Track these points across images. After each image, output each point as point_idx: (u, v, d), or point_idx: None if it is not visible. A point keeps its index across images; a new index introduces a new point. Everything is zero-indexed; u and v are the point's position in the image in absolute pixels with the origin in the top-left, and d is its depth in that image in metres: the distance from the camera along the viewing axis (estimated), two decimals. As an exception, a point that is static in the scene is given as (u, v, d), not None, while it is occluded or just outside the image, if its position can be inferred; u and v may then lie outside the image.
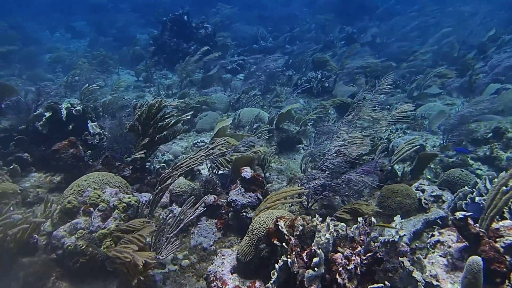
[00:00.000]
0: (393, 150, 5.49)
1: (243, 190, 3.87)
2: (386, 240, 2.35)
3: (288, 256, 2.40)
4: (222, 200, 3.95)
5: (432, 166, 5.71)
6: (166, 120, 4.36)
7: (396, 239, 2.33)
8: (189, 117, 4.45)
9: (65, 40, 21.29)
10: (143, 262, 2.49)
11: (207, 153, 3.21)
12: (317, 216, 2.55)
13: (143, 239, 2.79)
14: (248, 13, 24.08)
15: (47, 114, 4.55)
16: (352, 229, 2.57)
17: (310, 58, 13.00)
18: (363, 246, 2.40)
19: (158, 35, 14.76)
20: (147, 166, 4.76)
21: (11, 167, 4.27)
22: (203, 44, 13.71)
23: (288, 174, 5.77)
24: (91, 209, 3.44)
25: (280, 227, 2.59)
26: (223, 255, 3.07)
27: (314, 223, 2.46)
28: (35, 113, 4.60)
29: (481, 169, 5.77)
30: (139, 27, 23.43)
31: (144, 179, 4.48)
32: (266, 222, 2.79)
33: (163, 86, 11.23)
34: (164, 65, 14.09)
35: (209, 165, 5.31)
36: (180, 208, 3.96)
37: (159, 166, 4.98)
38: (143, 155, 4.33)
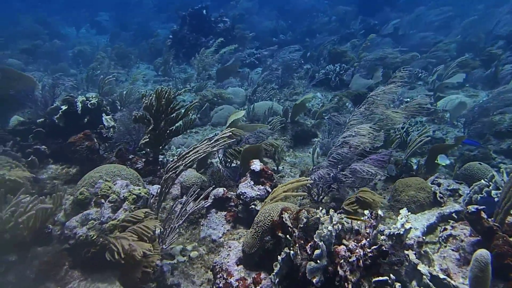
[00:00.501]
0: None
1: (252, 183, 3.87)
2: (392, 233, 2.30)
3: (291, 248, 2.38)
4: (232, 193, 3.95)
5: (451, 160, 5.56)
6: (176, 111, 4.38)
7: (401, 232, 2.28)
8: (197, 103, 4.47)
9: (90, 36, 21.74)
10: (142, 253, 2.51)
11: (212, 143, 3.20)
12: (320, 208, 2.51)
13: (149, 229, 2.82)
14: (267, 6, 23.91)
15: (63, 107, 4.65)
16: (358, 222, 2.53)
17: (327, 51, 12.84)
18: (368, 239, 2.35)
19: (178, 29, 14.86)
20: (160, 159, 4.81)
21: (30, 159, 4.39)
22: (222, 37, 13.72)
23: (302, 167, 5.72)
24: (102, 200, 3.50)
25: (284, 220, 2.57)
26: (230, 247, 3.07)
27: (318, 215, 2.43)
28: (52, 106, 4.71)
29: (504, 163, 5.58)
30: (161, 22, 23.65)
31: (156, 171, 4.53)
32: (271, 215, 2.77)
33: (181, 80, 11.32)
34: (183, 59, 14.19)
35: (220, 157, 5.33)
36: (191, 202, 4.03)
37: (172, 159, 5.03)
38: (148, 139, 4.37)
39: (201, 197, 3.18)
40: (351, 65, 11.08)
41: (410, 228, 2.34)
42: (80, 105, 4.67)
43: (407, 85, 4.46)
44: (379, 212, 2.48)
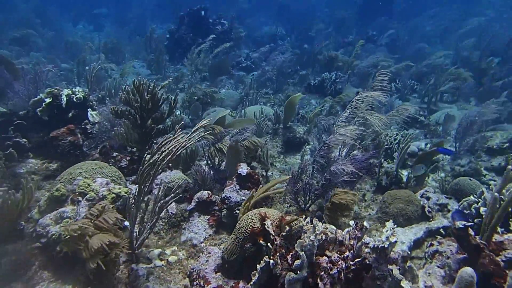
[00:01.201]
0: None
1: (238, 187, 3.75)
2: (376, 245, 2.18)
3: (272, 257, 2.26)
4: (216, 196, 3.83)
5: (442, 175, 5.48)
6: (160, 107, 4.27)
7: (386, 245, 2.17)
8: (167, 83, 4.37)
9: (87, 32, 21.52)
10: (99, 244, 2.39)
11: (189, 135, 3.06)
12: (304, 216, 2.40)
13: (106, 222, 2.69)
14: (267, 10, 23.91)
15: (47, 100, 4.50)
16: (343, 233, 2.42)
17: (321, 56, 12.75)
18: (351, 251, 2.24)
19: (175, 29, 14.75)
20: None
21: (8, 151, 4.23)
22: (220, 40, 13.64)
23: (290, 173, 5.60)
24: (79, 198, 3.36)
25: (266, 227, 2.45)
26: (209, 253, 2.95)
27: (301, 224, 2.31)
28: (35, 99, 4.56)
29: (494, 180, 5.51)
30: (160, 22, 23.49)
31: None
32: (254, 221, 2.65)
33: (173, 78, 11.13)
34: (179, 59, 14.07)
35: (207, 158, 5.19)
36: (173, 203, 3.89)
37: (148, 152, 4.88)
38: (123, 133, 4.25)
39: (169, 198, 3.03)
40: (344, 72, 11.04)
41: (396, 241, 2.23)
42: (65, 99, 4.52)
43: (387, 89, 4.38)
44: (365, 223, 2.37)
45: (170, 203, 3.15)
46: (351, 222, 2.44)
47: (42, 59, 11.24)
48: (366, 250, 2.28)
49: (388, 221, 3.75)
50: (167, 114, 4.58)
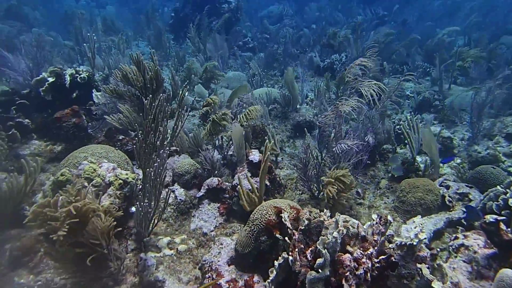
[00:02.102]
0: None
1: (249, 174, 3.59)
2: (403, 242, 2.03)
3: (290, 253, 2.11)
4: (227, 184, 3.67)
5: (458, 161, 5.29)
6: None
7: (414, 243, 2.01)
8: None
9: (89, 8, 21.07)
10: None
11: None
12: (325, 211, 2.23)
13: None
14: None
15: (50, 80, 4.31)
16: (365, 227, 2.26)
17: (326, 37, 12.38)
18: (375, 248, 2.09)
19: (180, 7, 14.37)
20: (152, 141, 4.50)
21: (10, 132, 4.08)
22: (226, 19, 13.31)
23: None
24: (85, 183, 3.21)
25: (283, 220, 2.29)
26: (221, 244, 2.80)
27: (321, 218, 2.15)
28: (37, 78, 4.37)
29: (513, 166, 5.32)
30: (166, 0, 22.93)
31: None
32: (269, 213, 2.49)
33: (178, 57, 10.86)
34: (184, 39, 13.76)
35: (217, 142, 5.03)
36: (182, 189, 3.74)
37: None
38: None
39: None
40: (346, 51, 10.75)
41: (425, 238, 2.08)
42: (68, 79, 4.34)
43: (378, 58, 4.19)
44: (389, 217, 2.21)
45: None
46: (374, 216, 2.28)
47: (46, 37, 10.93)
48: (390, 246, 2.13)
49: (408, 210, 3.63)
50: (172, 95, 4.38)
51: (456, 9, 17.87)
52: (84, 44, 6.44)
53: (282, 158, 5.27)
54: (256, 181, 3.53)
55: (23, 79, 4.75)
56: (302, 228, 2.20)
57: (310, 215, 2.26)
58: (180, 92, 4.50)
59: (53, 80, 4.30)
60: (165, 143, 3.25)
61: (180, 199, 3.63)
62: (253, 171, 3.62)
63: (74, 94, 4.44)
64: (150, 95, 4.09)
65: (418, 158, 5.07)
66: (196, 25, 12.53)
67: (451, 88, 8.55)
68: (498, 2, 15.14)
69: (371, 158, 4.88)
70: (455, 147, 5.61)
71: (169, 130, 3.51)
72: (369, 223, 2.27)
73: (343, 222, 2.19)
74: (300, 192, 4.13)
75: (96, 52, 6.59)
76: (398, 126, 6.38)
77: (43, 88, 4.26)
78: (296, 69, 10.82)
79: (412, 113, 7.17)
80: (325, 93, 7.03)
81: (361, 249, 2.08)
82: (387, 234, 2.18)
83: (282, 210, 2.38)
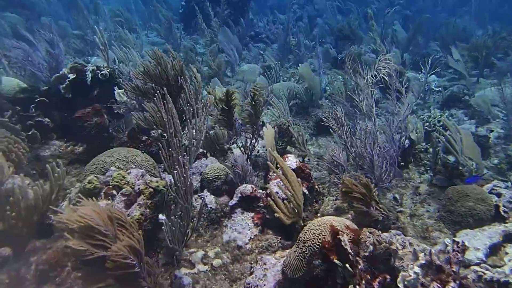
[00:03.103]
0: (435, 137, 4.77)
1: (286, 182, 3.36)
2: (494, 278, 1.81)
3: (357, 286, 1.90)
4: (260, 191, 3.45)
5: (496, 162, 5.05)
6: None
7: (511, 280, 1.80)
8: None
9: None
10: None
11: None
12: (397, 237, 2.01)
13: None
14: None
15: (71, 77, 4.08)
16: (436, 251, 2.03)
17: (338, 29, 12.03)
18: (456, 281, 1.87)
19: (191, -4, 14.02)
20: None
21: (31, 132, 3.87)
22: (237, 9, 12.99)
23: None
24: (114, 192, 3.01)
25: (343, 244, 2.08)
26: (265, 264, 2.60)
27: (393, 247, 1.93)
28: (57, 74, 4.14)
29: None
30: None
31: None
32: (322, 233, 2.28)
33: (186, 48, 10.55)
34: (195, 29, 13.45)
35: (241, 143, 4.81)
36: (212, 196, 3.54)
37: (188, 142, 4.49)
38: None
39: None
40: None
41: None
42: (90, 75, 4.11)
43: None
44: (466, 243, 1.99)
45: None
46: (447, 240, 2.06)
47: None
48: (470, 276, 1.91)
49: (457, 221, 3.40)
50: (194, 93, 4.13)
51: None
52: (95, 36, 6.17)
53: (309, 159, 5.05)
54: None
55: (40, 74, 4.52)
56: (366, 254, 1.99)
57: (373, 238, 2.05)
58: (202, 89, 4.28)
59: (74, 77, 4.07)
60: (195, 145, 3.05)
61: (210, 207, 3.43)
62: (290, 179, 3.40)
63: (95, 92, 4.22)
64: (175, 92, 3.88)
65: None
66: (206, 14, 12.21)
67: (479, 82, 8.22)
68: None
69: (403, 160, 4.65)
70: (491, 147, 5.35)
71: (194, 132, 3.30)
72: (438, 247, 2.05)
73: (422, 254, 1.97)
74: (334, 199, 3.92)
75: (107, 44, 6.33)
76: (427, 124, 6.13)
77: (64, 85, 4.04)
78: (312, 61, 10.57)
79: (439, 109, 6.91)
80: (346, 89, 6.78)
81: (439, 282, 1.86)
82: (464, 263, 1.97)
83: (340, 232, 2.16)
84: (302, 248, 2.33)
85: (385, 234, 2.09)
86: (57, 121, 4.13)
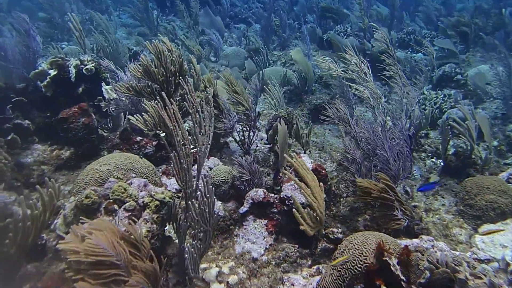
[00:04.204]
0: (447, 125, 4.60)
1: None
2: None
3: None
4: (272, 195, 3.19)
5: (495, 143, 4.96)
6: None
7: None
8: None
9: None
10: None
11: None
12: (458, 253, 1.80)
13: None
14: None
15: (52, 73, 3.66)
16: (492, 269, 1.85)
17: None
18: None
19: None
20: (173, 141, 3.95)
21: (9, 137, 3.46)
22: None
23: (329, 150, 5.01)
24: (115, 206, 2.70)
25: (393, 268, 1.86)
26: (293, 285, 2.37)
27: (461, 276, 1.72)
28: (36, 70, 3.70)
29: None
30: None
31: (170, 158, 3.70)
32: (364, 253, 2.06)
33: (166, 31, 9.99)
34: (170, 9, 12.82)
35: (238, 135, 4.52)
36: (219, 202, 3.27)
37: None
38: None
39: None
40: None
41: None
42: (73, 71, 3.68)
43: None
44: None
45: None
46: (508, 255, 1.88)
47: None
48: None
49: (476, 216, 3.25)
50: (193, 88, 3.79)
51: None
52: (69, 22, 5.64)
53: (310, 151, 4.81)
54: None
55: (15, 69, 4.04)
56: (422, 281, 1.79)
57: (427, 261, 1.84)
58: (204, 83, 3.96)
59: (56, 73, 3.65)
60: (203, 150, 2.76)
61: (219, 215, 3.16)
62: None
63: (80, 89, 3.80)
64: (172, 89, 3.54)
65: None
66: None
67: (467, 59, 8.13)
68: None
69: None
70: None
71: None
72: (496, 265, 1.87)
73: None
74: (345, 196, 3.72)
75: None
76: (422, 106, 6.01)
77: (45, 83, 3.61)
78: (296, 43, 10.24)
79: (433, 90, 6.79)
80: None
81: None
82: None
83: (386, 253, 1.94)
84: (340, 271, 2.10)
85: (438, 254, 1.88)
86: (38, 123, 3.72)
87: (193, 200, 2.34)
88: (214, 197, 2.40)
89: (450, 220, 3.44)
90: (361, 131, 3.53)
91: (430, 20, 11.16)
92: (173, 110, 2.59)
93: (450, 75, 7.02)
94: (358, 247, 2.10)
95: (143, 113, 3.17)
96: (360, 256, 2.06)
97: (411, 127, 4.13)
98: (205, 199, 2.22)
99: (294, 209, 2.67)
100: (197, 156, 2.62)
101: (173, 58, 3.27)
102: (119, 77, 3.99)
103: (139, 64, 3.18)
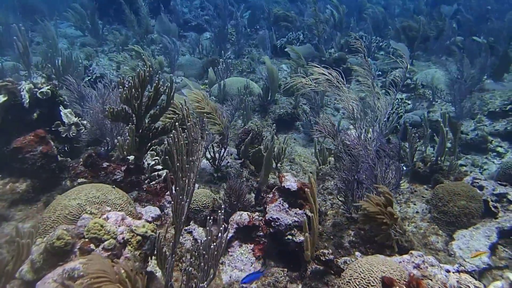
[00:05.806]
0: (404, 129, 4.72)
1: (286, 205, 3.02)
2: None
3: None
4: (258, 218, 3.06)
5: (449, 145, 5.18)
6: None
7: None
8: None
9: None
10: None
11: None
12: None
13: None
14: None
15: (1, 99, 3.28)
16: None
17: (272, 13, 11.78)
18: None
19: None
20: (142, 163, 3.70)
21: (-45, 173, 3.06)
22: (164, -4, 12.05)
23: (299, 161, 4.96)
24: (92, 246, 2.44)
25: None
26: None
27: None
28: (-18, 97, 3.31)
29: (501, 146, 5.36)
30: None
31: (141, 184, 3.46)
32: (371, 283, 1.98)
33: (115, 43, 9.55)
34: (114, 18, 12.26)
35: (208, 156, 4.37)
36: (201, 229, 3.10)
37: (153, 162, 3.92)
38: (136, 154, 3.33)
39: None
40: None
41: None
42: (27, 96, 3.33)
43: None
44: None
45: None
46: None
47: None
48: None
49: (450, 222, 3.31)
50: (165, 107, 3.59)
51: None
52: (15, 37, 5.21)
53: (281, 163, 4.73)
54: (295, 213, 2.99)
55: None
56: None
57: None
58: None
59: (6, 99, 3.28)
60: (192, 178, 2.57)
61: (200, 242, 2.98)
62: (290, 200, 3.05)
63: (35, 114, 3.45)
64: (143, 111, 3.33)
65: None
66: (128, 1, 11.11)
67: (413, 64, 8.50)
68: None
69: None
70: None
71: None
72: (500, 284, 1.87)
73: None
74: (334, 211, 3.65)
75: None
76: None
77: (-6, 111, 3.24)
78: (251, 50, 10.18)
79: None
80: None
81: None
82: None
83: (395, 283, 1.88)
84: (348, 300, 2.01)
85: (440, 276, 1.85)
86: (-13, 154, 3.33)
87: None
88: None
89: (426, 228, 3.50)
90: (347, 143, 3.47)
91: (377, 25, 11.53)
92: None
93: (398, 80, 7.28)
94: (363, 276, 2.02)
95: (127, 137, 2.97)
96: (368, 286, 1.98)
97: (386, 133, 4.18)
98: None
99: (307, 235, 2.55)
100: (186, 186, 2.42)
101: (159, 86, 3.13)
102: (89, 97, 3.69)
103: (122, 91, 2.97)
